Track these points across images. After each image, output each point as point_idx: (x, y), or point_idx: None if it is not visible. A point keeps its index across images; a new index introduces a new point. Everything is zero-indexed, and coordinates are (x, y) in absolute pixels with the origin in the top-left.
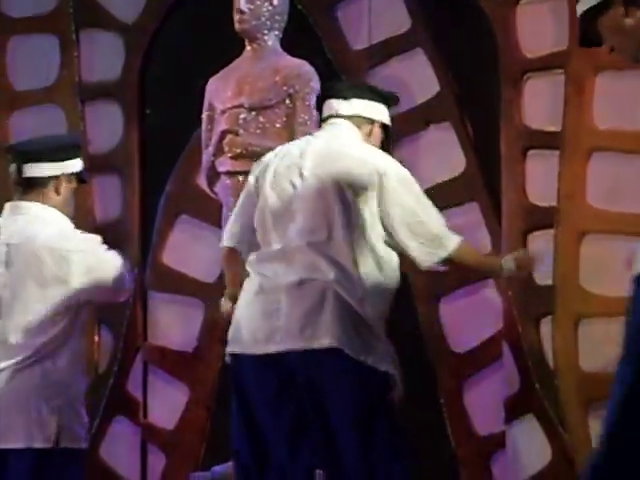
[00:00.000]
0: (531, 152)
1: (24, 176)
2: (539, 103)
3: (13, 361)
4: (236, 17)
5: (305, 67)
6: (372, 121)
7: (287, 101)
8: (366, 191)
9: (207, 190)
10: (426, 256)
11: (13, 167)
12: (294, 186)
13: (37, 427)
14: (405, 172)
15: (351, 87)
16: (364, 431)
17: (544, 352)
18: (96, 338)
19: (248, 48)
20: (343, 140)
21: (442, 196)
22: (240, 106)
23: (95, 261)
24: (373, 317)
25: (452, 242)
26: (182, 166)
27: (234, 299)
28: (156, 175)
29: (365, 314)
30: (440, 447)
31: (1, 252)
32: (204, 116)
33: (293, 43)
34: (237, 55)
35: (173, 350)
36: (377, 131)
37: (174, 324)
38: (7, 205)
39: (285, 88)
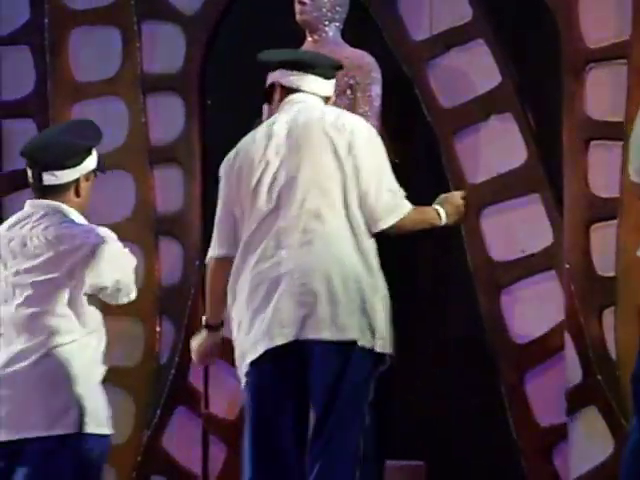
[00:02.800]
0: (593, 143)
1: (44, 184)
2: (601, 94)
3: (31, 344)
4: (297, 8)
5: (366, 58)
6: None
7: (348, 92)
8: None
9: None
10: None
11: (31, 173)
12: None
13: (60, 414)
14: None
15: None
16: None
17: (606, 343)
18: (157, 329)
19: (309, 39)
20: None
21: (503, 187)
22: None
23: (116, 252)
24: None
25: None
26: None
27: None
28: (217, 166)
29: None
30: (501, 438)
31: (16, 244)
32: (265, 107)
33: (354, 34)
34: (298, 46)
35: None
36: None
37: None
38: (27, 202)
39: (346, 79)
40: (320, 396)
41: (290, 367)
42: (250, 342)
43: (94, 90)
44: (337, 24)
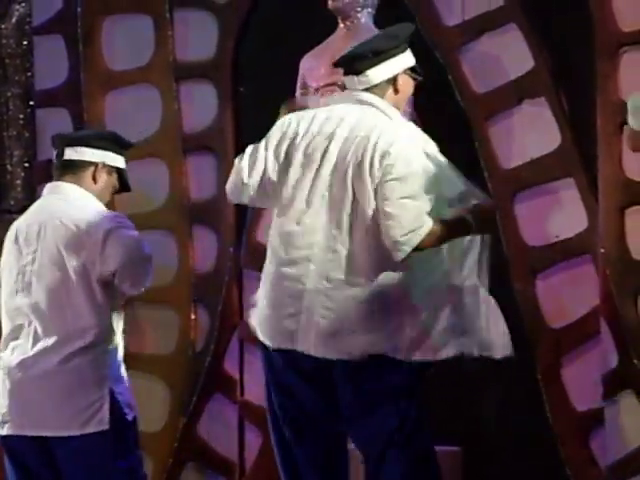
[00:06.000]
0: (627, 126)
1: (64, 158)
2: (635, 77)
3: (51, 342)
4: None
5: None
6: (393, 79)
7: None
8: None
9: None
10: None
11: (56, 152)
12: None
13: (91, 413)
14: None
15: (361, 58)
16: None
17: None
18: (192, 316)
19: (341, 26)
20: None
21: (537, 172)
22: (334, 84)
23: (130, 241)
24: None
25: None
26: None
27: None
28: None
29: None
30: (538, 423)
31: (32, 231)
32: (298, 94)
33: (386, 20)
34: (330, 33)
35: None
36: (402, 80)
37: None
38: (47, 185)
39: None
40: None
41: None
42: None
43: (127, 78)
44: (369, 10)
